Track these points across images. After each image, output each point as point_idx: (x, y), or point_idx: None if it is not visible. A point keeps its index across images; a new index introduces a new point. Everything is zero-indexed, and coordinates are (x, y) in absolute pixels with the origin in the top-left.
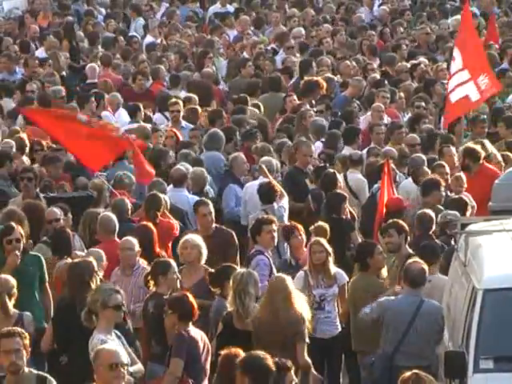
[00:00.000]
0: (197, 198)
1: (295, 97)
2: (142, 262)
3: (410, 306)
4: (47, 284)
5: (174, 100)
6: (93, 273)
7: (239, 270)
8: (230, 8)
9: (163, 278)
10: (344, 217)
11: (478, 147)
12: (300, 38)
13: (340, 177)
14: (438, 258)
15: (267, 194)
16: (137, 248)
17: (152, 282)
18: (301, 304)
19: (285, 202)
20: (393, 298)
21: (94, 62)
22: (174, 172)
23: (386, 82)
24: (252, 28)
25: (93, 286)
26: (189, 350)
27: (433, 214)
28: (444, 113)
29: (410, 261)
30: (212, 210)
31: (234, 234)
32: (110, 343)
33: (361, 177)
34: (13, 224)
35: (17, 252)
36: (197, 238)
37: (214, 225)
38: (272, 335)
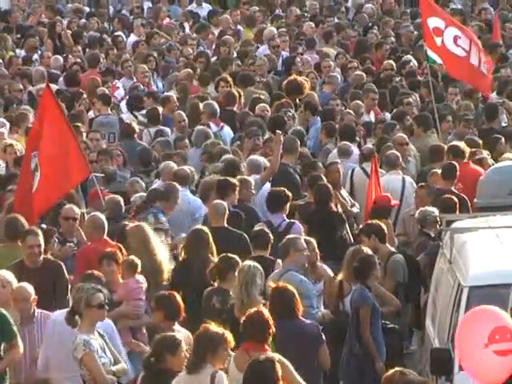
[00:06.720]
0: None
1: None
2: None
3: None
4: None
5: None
6: None
7: (246, 261)
8: (206, 7)
9: (231, 274)
10: (335, 210)
11: (462, 145)
12: (272, 39)
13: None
14: None
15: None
16: (32, 296)
17: (217, 276)
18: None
19: None
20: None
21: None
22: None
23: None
24: (236, 26)
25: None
26: None
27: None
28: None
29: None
30: (41, 242)
31: (63, 265)
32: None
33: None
34: None
35: None
36: None
37: (41, 257)
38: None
